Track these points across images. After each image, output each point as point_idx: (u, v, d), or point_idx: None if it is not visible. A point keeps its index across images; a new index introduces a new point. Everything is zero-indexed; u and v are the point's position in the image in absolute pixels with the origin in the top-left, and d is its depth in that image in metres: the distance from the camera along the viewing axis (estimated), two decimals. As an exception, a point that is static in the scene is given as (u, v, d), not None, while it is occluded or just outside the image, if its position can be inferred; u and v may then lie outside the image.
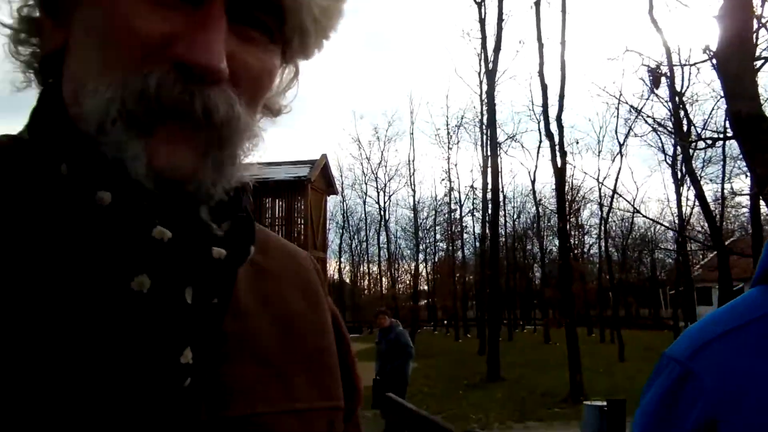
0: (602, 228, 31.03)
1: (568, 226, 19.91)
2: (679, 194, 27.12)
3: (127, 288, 0.54)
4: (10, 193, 0.56)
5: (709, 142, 7.43)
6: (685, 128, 19.83)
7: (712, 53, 5.62)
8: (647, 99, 20.21)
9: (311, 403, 0.66)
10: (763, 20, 5.79)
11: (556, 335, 26.72)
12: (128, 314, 0.54)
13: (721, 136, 6.99)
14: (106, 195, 0.54)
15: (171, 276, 0.56)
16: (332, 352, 0.73)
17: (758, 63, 5.47)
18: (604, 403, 8.09)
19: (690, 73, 19.33)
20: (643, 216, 19.55)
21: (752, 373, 0.66)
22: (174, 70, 0.55)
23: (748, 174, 5.34)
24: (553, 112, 17.39)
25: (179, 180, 0.56)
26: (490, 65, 21.47)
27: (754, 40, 5.45)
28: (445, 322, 48.12)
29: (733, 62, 5.30)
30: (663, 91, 18.07)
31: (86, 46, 0.58)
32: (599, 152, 34.20)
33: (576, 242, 37.63)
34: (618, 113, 26.08)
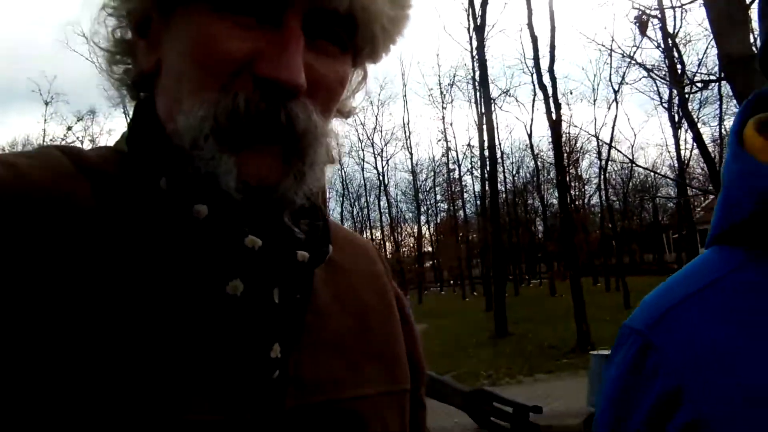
0: (602, 177, 30.96)
1: (567, 178, 19.89)
2: (677, 138, 27.00)
3: (222, 292, 0.60)
4: (117, 204, 0.60)
5: (701, 85, 7.33)
6: (679, 71, 19.62)
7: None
8: (638, 45, 19.95)
9: (382, 388, 0.72)
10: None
11: (562, 287, 26.87)
12: (224, 315, 0.60)
13: (714, 78, 6.89)
14: (202, 208, 0.60)
15: (261, 279, 0.62)
16: (399, 338, 0.79)
17: (747, 1, 5.37)
18: (609, 352, 8.18)
19: (682, 14, 19.05)
20: (639, 166, 19.48)
21: (713, 338, 0.65)
22: (258, 87, 0.60)
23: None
24: (544, 64, 17.21)
25: (265, 189, 0.62)
26: (479, 20, 21.15)
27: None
28: (452, 282, 48.48)
29: (720, 1, 5.21)
30: (655, 34, 17.83)
31: (178, 66, 0.63)
32: (594, 101, 34.03)
33: (576, 193, 37.66)
34: (611, 60, 25.73)
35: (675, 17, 19.03)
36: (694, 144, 17.92)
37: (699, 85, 7.92)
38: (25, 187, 0.56)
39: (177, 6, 0.63)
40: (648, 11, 6.54)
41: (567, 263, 15.19)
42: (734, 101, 5.09)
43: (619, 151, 21.85)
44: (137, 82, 0.70)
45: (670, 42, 17.48)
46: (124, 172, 0.63)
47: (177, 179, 0.61)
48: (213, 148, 0.60)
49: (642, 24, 6.60)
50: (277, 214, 0.65)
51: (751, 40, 5.23)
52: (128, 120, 0.70)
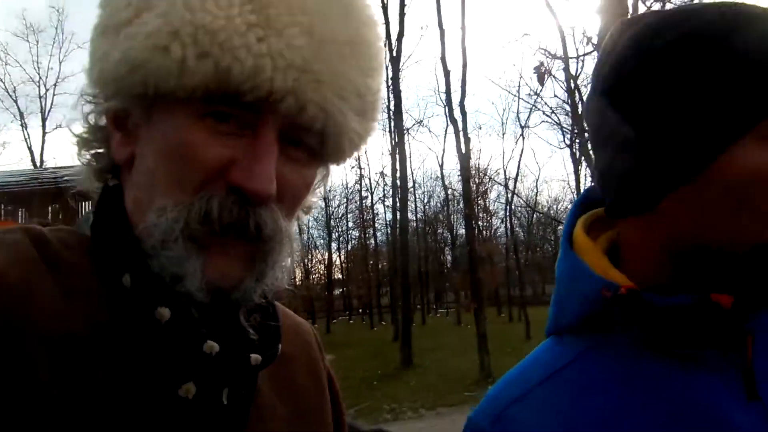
0: (508, 210, 31.99)
1: (476, 209, 20.38)
2: (577, 174, 28.33)
3: (174, 395, 0.62)
4: (81, 301, 0.61)
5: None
6: (580, 111, 20.64)
7: (595, 45, 5.77)
8: (538, 93, 20.97)
9: None
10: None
11: (468, 318, 27.44)
12: (174, 418, 0.62)
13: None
14: (165, 312, 0.62)
15: (214, 382, 0.65)
16: (329, 423, 0.84)
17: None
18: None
19: (583, 60, 20.11)
20: (538, 212, 20.44)
21: None
22: (231, 193, 0.63)
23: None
24: (456, 98, 17.65)
25: (227, 288, 0.65)
26: (395, 52, 21.49)
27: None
28: (360, 310, 48.38)
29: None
30: (553, 83, 18.79)
31: (153, 165, 0.65)
32: (504, 134, 35.24)
33: (484, 224, 38.66)
34: (519, 96, 26.78)
35: (577, 62, 20.14)
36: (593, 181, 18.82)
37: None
38: (1, 287, 0.58)
39: (158, 107, 0.65)
40: (545, 66, 6.80)
41: (473, 296, 15.47)
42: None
43: (518, 196, 22.87)
44: (106, 168, 0.72)
45: (572, 84, 18.40)
46: (88, 264, 0.65)
47: (140, 277, 0.63)
48: (181, 248, 0.62)
49: (540, 75, 6.87)
50: (233, 313, 0.68)
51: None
52: (93, 205, 0.72)
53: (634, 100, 0.69)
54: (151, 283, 0.63)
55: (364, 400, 12.40)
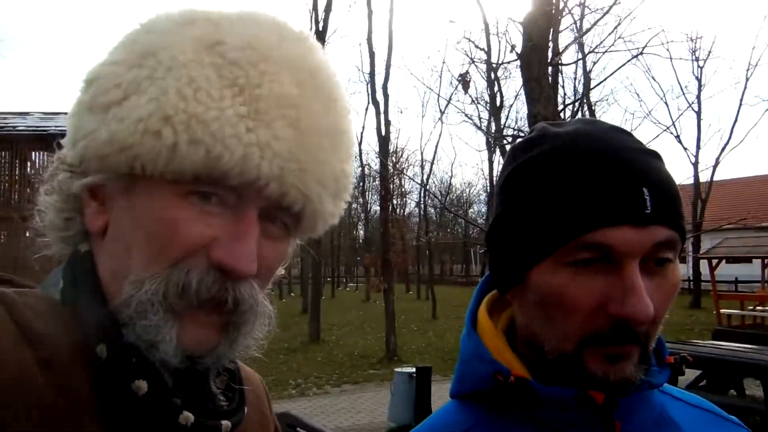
0: (422, 193, 32.60)
1: (391, 188, 20.67)
2: (491, 161, 29.24)
3: None
4: (57, 374, 0.62)
5: (510, 139, 8.11)
6: (498, 103, 21.27)
7: (518, 54, 6.05)
8: (454, 93, 21.26)
9: None
10: (561, 28, 6.33)
11: (377, 294, 27.89)
12: None
13: (523, 134, 7.62)
14: (143, 384, 0.63)
15: None
16: None
17: (559, 67, 6.00)
18: (413, 370, 8.66)
19: (505, 50, 20.68)
20: (450, 211, 20.85)
21: None
22: (212, 269, 0.65)
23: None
24: (379, 80, 17.78)
25: (199, 355, 0.67)
26: (321, 25, 21.29)
27: (556, 47, 5.94)
28: (270, 279, 47.87)
29: (533, 66, 5.77)
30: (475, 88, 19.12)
31: (131, 237, 0.66)
32: (423, 116, 35.65)
33: (398, 202, 39.22)
34: (441, 82, 27.19)
35: (499, 52, 20.65)
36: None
37: (509, 138, 8.75)
38: None
39: (140, 183, 0.66)
40: (468, 76, 7.09)
41: (383, 276, 15.77)
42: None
43: (432, 193, 23.00)
44: (77, 234, 0.73)
45: (492, 75, 18.91)
46: (61, 334, 0.65)
47: (116, 348, 0.64)
48: (158, 318, 0.64)
49: (464, 83, 7.13)
50: (204, 378, 0.71)
51: (559, 105, 5.85)
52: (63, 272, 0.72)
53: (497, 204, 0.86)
54: (127, 354, 0.64)
55: (270, 373, 12.46)
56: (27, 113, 14.94)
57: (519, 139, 0.89)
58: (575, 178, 0.75)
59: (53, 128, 13.29)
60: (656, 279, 0.76)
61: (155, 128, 0.63)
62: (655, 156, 0.80)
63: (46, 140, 12.98)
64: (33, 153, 13.45)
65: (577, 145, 0.78)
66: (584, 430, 0.79)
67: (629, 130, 0.84)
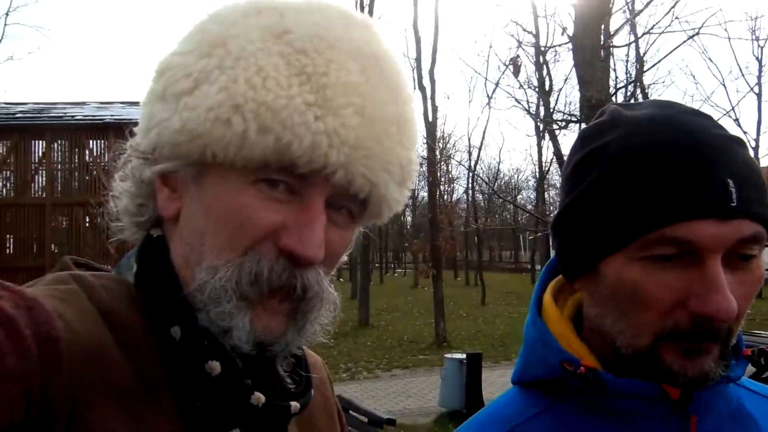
0: (470, 178, 32.33)
1: (439, 174, 20.61)
2: (540, 147, 28.76)
3: None
4: (136, 353, 0.65)
5: (563, 124, 7.94)
6: (547, 87, 20.89)
7: (569, 37, 5.93)
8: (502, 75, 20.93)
9: None
10: (614, 10, 6.17)
11: (425, 280, 27.87)
12: None
13: (575, 118, 7.47)
14: (215, 365, 0.66)
15: (257, 428, 0.69)
16: None
17: (610, 50, 5.85)
18: (463, 356, 8.67)
19: (554, 32, 20.28)
20: (500, 197, 20.65)
21: None
22: (282, 256, 0.67)
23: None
24: (426, 66, 17.66)
25: (270, 341, 0.69)
26: (366, 11, 21.25)
27: (608, 29, 5.80)
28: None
29: (586, 49, 5.65)
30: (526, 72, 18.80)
31: (204, 224, 0.68)
32: (470, 102, 35.23)
33: (446, 188, 39.01)
34: (488, 66, 26.83)
35: (547, 35, 20.24)
36: (554, 158, 19.19)
37: (562, 123, 8.57)
38: (76, 341, 0.60)
39: (211, 170, 0.68)
40: (519, 60, 6.97)
41: (432, 262, 15.76)
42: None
43: (481, 178, 22.74)
44: (149, 220, 0.76)
45: (541, 59, 18.55)
46: (137, 316, 0.68)
47: (190, 330, 0.66)
48: (232, 304, 0.66)
49: (515, 67, 7.02)
50: (273, 363, 0.73)
51: (611, 88, 5.72)
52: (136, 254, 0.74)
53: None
54: (201, 336, 0.66)
55: (321, 357, 12.63)
56: (84, 103, 15.39)
57: (590, 123, 0.85)
58: (654, 168, 0.71)
59: (109, 117, 13.66)
60: (739, 274, 0.72)
61: (225, 117, 0.65)
62: (739, 142, 0.75)
63: (103, 129, 13.39)
64: (90, 141, 13.88)
65: (655, 131, 0.74)
66: (656, 422, 0.77)
67: None
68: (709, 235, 0.69)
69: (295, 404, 0.72)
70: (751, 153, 0.77)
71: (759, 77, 25.55)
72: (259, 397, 0.67)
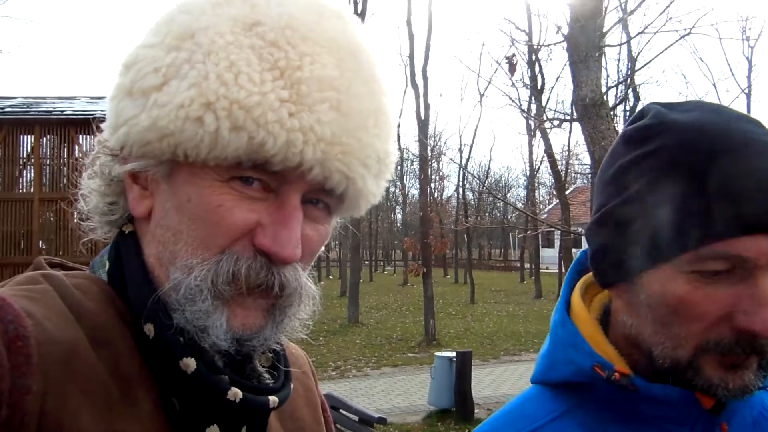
0: (460, 176, 32.39)
1: (429, 171, 20.64)
2: (531, 145, 28.84)
3: None
4: (108, 350, 0.64)
5: (557, 123, 7.95)
6: (539, 85, 20.93)
7: (564, 36, 5.93)
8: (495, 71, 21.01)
9: None
10: (609, 9, 6.18)
11: (414, 278, 27.94)
12: None
13: (567, 117, 7.47)
14: (191, 362, 0.64)
15: (235, 424, 0.68)
16: None
17: (603, 49, 5.85)
18: (453, 354, 8.67)
19: (547, 31, 20.32)
20: (494, 195, 20.76)
21: None
22: (258, 255, 0.66)
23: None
24: (419, 63, 17.65)
25: (248, 337, 0.67)
26: (359, 8, 21.21)
27: (602, 29, 5.79)
28: (309, 262, 48.26)
29: (580, 48, 5.65)
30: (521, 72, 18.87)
31: (177, 223, 0.67)
32: (461, 99, 35.29)
33: (436, 186, 39.06)
34: (480, 64, 26.86)
35: (540, 32, 20.28)
36: (546, 156, 19.28)
37: (556, 122, 8.59)
38: (47, 340, 0.59)
39: (182, 168, 0.66)
40: (515, 58, 6.95)
41: (422, 260, 15.77)
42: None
43: (472, 175, 22.83)
44: (121, 218, 0.74)
45: (533, 56, 18.59)
46: (110, 314, 0.67)
47: (163, 328, 0.65)
48: (207, 303, 0.65)
49: (511, 66, 7.01)
50: (251, 359, 0.72)
51: (603, 87, 5.72)
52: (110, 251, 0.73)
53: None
54: (175, 334, 0.65)
55: (310, 355, 12.57)
56: (74, 98, 15.27)
57: (630, 124, 0.81)
58: (707, 179, 0.69)
59: (99, 112, 13.57)
60: None
61: (197, 115, 0.63)
62: None
63: (93, 124, 13.23)
64: (80, 136, 13.76)
65: (706, 139, 0.71)
66: (683, 429, 0.77)
67: None
68: (765, 252, 0.68)
69: (273, 398, 0.71)
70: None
71: (749, 77, 25.75)
72: (236, 393, 0.66)
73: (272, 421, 0.77)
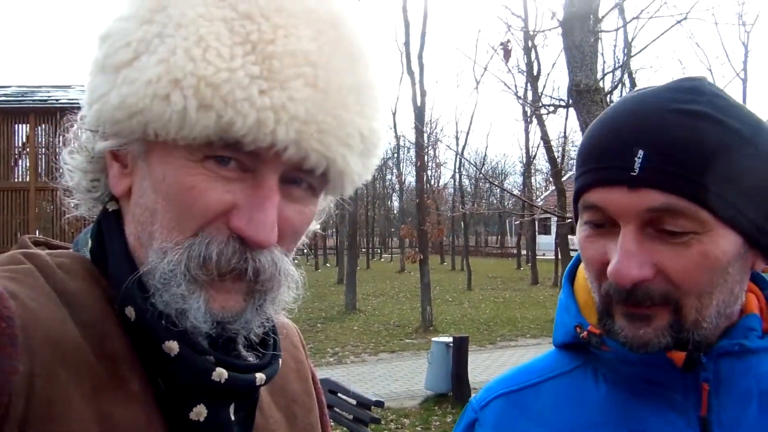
0: (457, 162, 32.36)
1: (426, 159, 20.63)
2: (527, 132, 28.83)
3: (186, 418, 0.65)
4: (92, 331, 0.63)
5: (552, 109, 7.96)
6: (535, 71, 20.90)
7: (559, 21, 5.92)
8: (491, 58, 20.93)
9: None
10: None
11: (411, 264, 27.99)
12: None
13: (563, 103, 7.48)
14: (173, 345, 0.64)
15: (222, 403, 0.67)
16: (316, 423, 0.87)
17: (599, 35, 5.84)
18: (450, 340, 8.73)
19: (543, 16, 20.25)
20: (490, 181, 20.78)
21: (514, 429, 0.89)
22: (232, 238, 0.64)
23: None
24: (415, 50, 17.58)
25: (228, 319, 0.66)
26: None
27: (597, 13, 5.80)
28: (305, 251, 48.35)
29: (575, 33, 5.64)
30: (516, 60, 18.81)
31: (153, 203, 0.65)
32: (458, 86, 35.24)
33: (433, 173, 39.05)
34: (476, 50, 26.77)
35: (536, 18, 20.21)
36: (542, 142, 19.27)
37: (551, 108, 8.59)
38: (32, 320, 0.59)
39: (157, 146, 0.64)
40: (510, 45, 6.93)
41: (419, 247, 15.80)
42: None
43: (469, 162, 22.82)
44: (103, 195, 0.73)
45: (530, 43, 18.52)
46: (94, 293, 0.66)
47: (144, 312, 0.64)
48: (183, 288, 0.63)
49: (506, 52, 6.99)
50: (235, 339, 0.70)
51: (599, 74, 5.72)
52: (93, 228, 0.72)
53: None
54: (156, 317, 0.64)
55: (308, 341, 12.60)
56: (69, 86, 15.21)
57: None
58: (586, 138, 0.79)
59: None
60: (676, 248, 0.72)
61: (164, 92, 0.60)
62: (699, 116, 0.72)
63: (58, 114, 13.19)
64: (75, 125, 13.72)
65: (615, 105, 0.80)
66: (669, 391, 0.79)
67: None
68: (614, 202, 0.73)
69: (260, 375, 0.70)
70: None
71: (745, 62, 25.69)
72: (221, 373, 0.65)
73: (263, 395, 0.77)
